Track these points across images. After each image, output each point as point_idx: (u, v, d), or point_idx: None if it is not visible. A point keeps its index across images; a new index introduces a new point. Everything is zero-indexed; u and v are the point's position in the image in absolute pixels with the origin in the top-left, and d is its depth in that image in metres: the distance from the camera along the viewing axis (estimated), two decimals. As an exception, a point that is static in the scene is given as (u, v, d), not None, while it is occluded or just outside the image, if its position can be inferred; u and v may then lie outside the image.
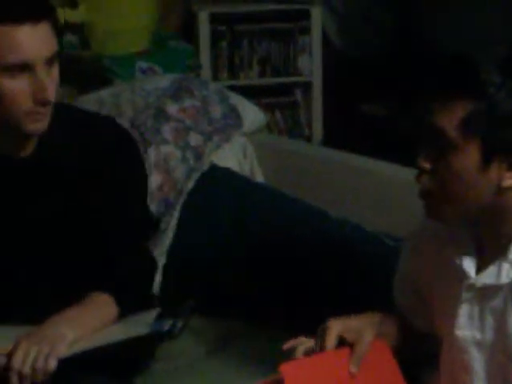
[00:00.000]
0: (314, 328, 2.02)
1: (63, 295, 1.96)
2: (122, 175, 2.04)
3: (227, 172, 2.68)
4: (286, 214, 2.48)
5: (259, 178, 2.78)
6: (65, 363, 1.82)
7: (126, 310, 2.00)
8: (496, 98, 1.49)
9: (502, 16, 3.45)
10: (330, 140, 4.11)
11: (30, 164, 1.96)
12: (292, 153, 2.82)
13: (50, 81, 1.83)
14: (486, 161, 1.50)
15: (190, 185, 2.62)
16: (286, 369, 1.63)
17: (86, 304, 1.97)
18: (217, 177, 2.66)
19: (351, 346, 1.68)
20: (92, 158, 2.00)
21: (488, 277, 1.59)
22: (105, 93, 2.78)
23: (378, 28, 4.23)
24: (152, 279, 2.17)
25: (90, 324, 1.94)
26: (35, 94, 1.81)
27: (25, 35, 1.78)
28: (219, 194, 2.61)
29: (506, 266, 1.57)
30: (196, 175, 2.64)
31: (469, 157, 1.51)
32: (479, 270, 1.62)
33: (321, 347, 1.68)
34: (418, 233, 1.80)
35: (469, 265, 1.63)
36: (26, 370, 1.78)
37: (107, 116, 2.31)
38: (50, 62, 1.82)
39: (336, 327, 1.69)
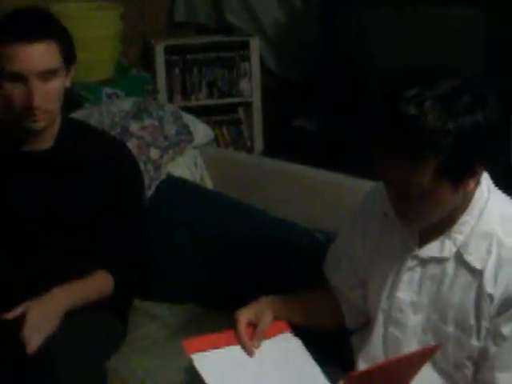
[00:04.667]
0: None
1: (68, 269, 2.09)
2: (126, 177, 2.17)
3: (181, 180, 2.81)
4: (230, 214, 2.60)
5: (208, 184, 2.91)
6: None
7: (122, 290, 2.16)
8: (451, 150, 1.51)
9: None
10: (268, 151, 4.32)
11: (46, 156, 2.08)
12: (236, 163, 2.96)
13: (41, 91, 1.93)
14: (456, 187, 1.58)
15: (151, 192, 2.73)
16: (189, 344, 1.71)
17: (86, 279, 2.10)
18: (172, 184, 2.77)
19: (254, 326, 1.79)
20: (101, 161, 2.12)
21: (432, 250, 1.71)
22: (77, 115, 2.80)
23: (307, 54, 4.25)
24: (147, 272, 2.26)
25: (87, 295, 2.09)
26: (24, 100, 1.95)
27: (20, 51, 1.92)
28: (175, 199, 2.71)
29: (448, 242, 1.69)
30: (155, 184, 2.75)
31: (443, 192, 1.57)
32: (420, 244, 1.73)
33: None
34: (358, 219, 1.87)
35: (413, 239, 1.73)
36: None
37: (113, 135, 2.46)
38: (44, 75, 1.95)
39: (244, 317, 1.80)
